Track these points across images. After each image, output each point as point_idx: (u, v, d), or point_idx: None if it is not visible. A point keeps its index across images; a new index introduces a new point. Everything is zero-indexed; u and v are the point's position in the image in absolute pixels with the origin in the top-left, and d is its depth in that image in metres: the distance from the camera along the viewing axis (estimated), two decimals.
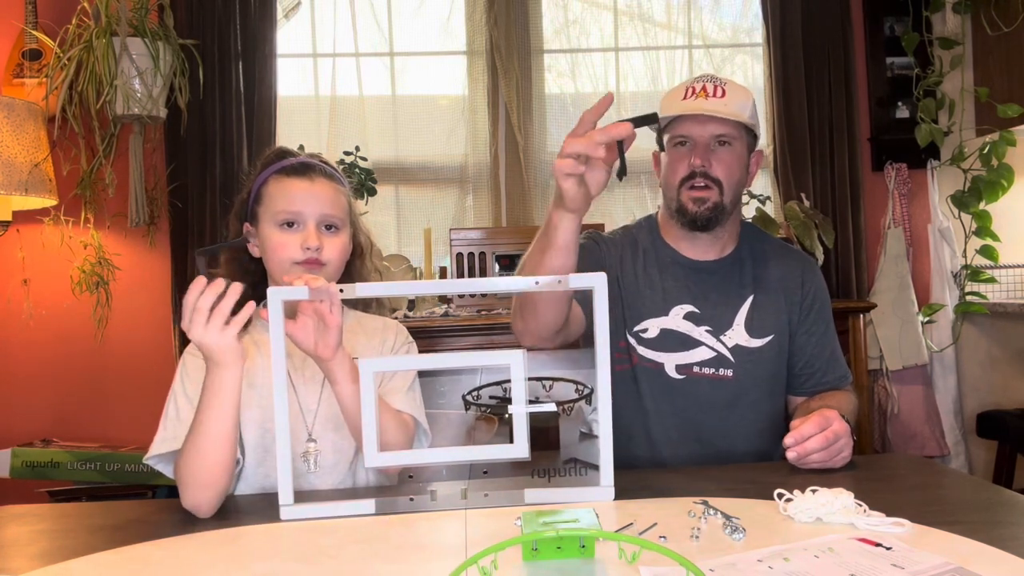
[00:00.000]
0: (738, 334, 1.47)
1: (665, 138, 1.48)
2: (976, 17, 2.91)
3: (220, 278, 1.04)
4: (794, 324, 1.51)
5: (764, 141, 2.98)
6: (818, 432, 1.17)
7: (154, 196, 2.73)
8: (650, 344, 1.48)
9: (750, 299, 1.49)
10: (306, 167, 1.28)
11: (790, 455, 1.17)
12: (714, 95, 1.43)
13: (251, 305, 1.05)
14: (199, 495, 1.08)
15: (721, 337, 1.47)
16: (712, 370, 1.46)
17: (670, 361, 1.47)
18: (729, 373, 1.46)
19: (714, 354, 1.46)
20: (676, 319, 1.47)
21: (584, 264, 1.38)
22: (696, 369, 1.46)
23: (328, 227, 1.27)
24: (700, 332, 1.47)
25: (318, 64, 2.99)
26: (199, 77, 2.64)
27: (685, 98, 1.44)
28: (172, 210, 2.73)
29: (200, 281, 1.03)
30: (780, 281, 1.51)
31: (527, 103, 2.96)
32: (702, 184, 1.43)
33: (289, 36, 2.94)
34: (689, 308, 1.48)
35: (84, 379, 2.80)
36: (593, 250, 1.52)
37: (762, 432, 1.48)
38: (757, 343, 1.47)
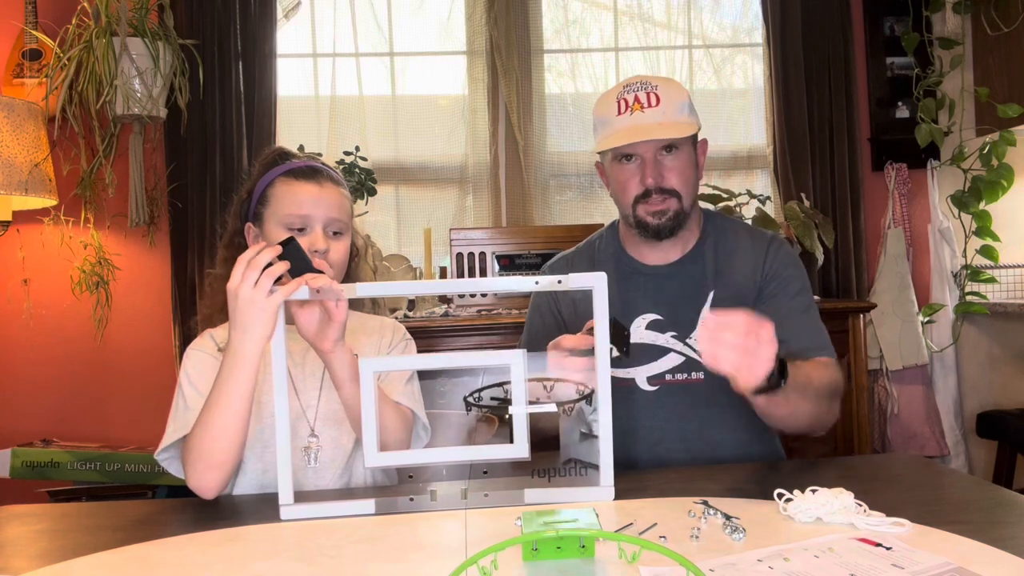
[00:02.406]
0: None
1: (607, 155, 1.44)
2: (976, 17, 2.91)
3: (276, 243, 1.06)
4: (754, 306, 1.42)
5: (764, 141, 2.98)
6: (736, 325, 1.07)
7: (154, 196, 2.73)
8: (615, 362, 1.39)
9: (711, 296, 1.44)
10: (314, 171, 1.29)
11: (700, 332, 1.08)
12: (649, 104, 1.38)
13: (301, 280, 1.06)
14: (208, 475, 1.08)
15: (687, 340, 1.43)
16: (684, 375, 1.43)
17: (640, 374, 1.44)
18: (700, 376, 1.42)
19: (683, 359, 1.43)
20: (639, 330, 1.45)
21: (539, 320, 1.54)
22: (668, 377, 1.43)
23: (334, 232, 1.28)
24: (666, 339, 1.44)
25: (318, 64, 2.99)
26: (199, 77, 2.64)
27: (620, 113, 1.39)
28: (172, 210, 2.73)
29: (263, 244, 1.05)
30: (741, 269, 1.46)
31: (527, 103, 2.96)
32: (659, 199, 1.40)
33: (289, 36, 2.94)
34: (651, 316, 1.45)
35: (84, 379, 2.80)
36: (542, 305, 1.55)
37: (748, 424, 1.42)
38: None
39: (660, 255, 1.48)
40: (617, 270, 1.50)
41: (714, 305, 1.42)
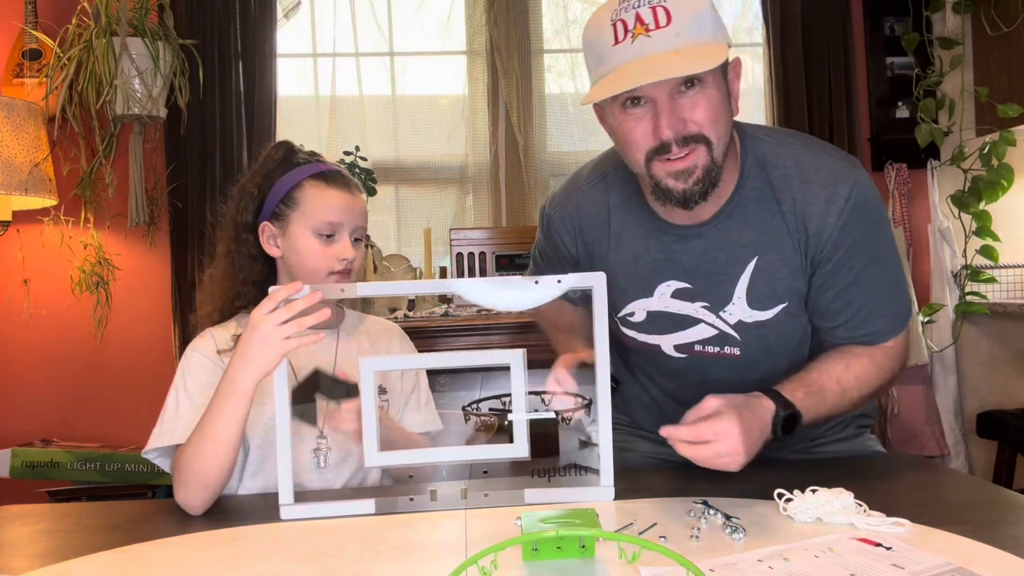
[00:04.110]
0: (740, 309, 1.18)
1: (606, 97, 1.07)
2: (976, 17, 2.91)
3: (318, 291, 1.07)
4: (808, 279, 1.17)
5: None
6: (694, 425, 1.00)
7: (154, 196, 2.73)
8: (640, 328, 1.25)
9: (752, 263, 1.16)
10: (344, 178, 1.30)
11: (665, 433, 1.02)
12: (656, 24, 1.00)
13: (319, 335, 1.07)
14: (198, 494, 1.09)
15: (721, 314, 1.19)
16: (716, 348, 1.22)
17: (667, 342, 1.24)
18: (736, 351, 1.21)
19: (716, 332, 1.21)
20: (664, 299, 1.21)
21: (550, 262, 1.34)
22: (698, 348, 1.23)
23: (355, 239, 1.29)
24: (695, 309, 1.20)
25: (318, 64, 2.99)
26: (199, 77, 2.64)
27: (617, 41, 1.03)
28: (172, 210, 2.73)
29: (300, 285, 1.06)
30: (794, 223, 1.14)
31: (527, 103, 2.96)
32: (682, 153, 1.06)
33: (289, 36, 2.94)
34: (677, 284, 1.20)
35: (84, 379, 2.79)
36: (548, 243, 1.34)
37: None
38: (764, 316, 1.18)
39: (688, 214, 1.16)
40: (638, 224, 1.20)
41: (755, 277, 1.16)
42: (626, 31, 1.02)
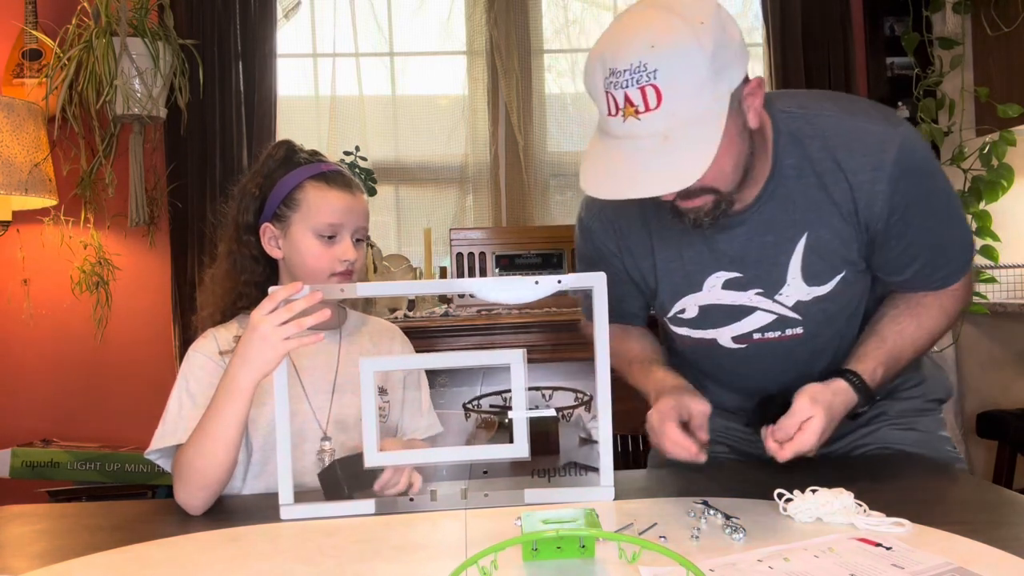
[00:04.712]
0: (796, 289, 1.15)
1: (594, 195, 1.04)
2: (976, 17, 2.91)
3: (318, 291, 1.07)
4: (864, 245, 1.13)
5: None
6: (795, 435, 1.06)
7: (154, 196, 2.73)
8: (693, 324, 1.23)
9: (802, 241, 1.12)
10: (345, 178, 1.29)
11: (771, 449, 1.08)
12: (646, 107, 0.95)
13: (319, 335, 1.07)
14: (197, 494, 1.09)
15: (776, 297, 1.16)
16: (777, 333, 1.19)
17: (723, 334, 1.21)
18: (799, 331, 1.18)
19: (774, 317, 1.17)
20: (715, 291, 1.18)
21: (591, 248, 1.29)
22: (757, 336, 1.20)
23: (357, 240, 1.29)
24: (749, 297, 1.17)
25: (318, 64, 2.99)
26: (199, 77, 2.64)
27: (611, 114, 0.98)
28: (172, 210, 2.73)
29: (300, 285, 1.06)
30: (840, 193, 1.10)
31: (527, 103, 2.96)
32: (688, 201, 1.05)
33: (289, 36, 2.94)
34: (727, 275, 1.17)
35: (84, 379, 2.79)
36: (594, 251, 1.29)
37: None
38: (823, 290, 1.15)
39: None
40: (673, 220, 1.12)
41: (808, 254, 1.13)
42: (617, 108, 0.97)
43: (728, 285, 1.17)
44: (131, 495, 2.42)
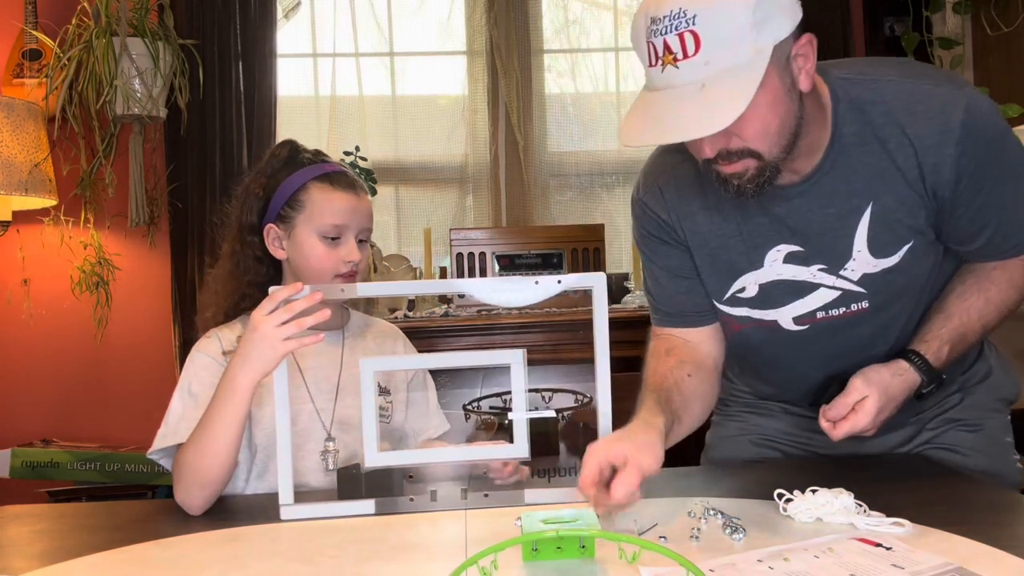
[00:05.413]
0: (862, 263, 1.11)
1: (631, 143, 1.00)
2: (976, 17, 2.91)
3: (319, 292, 1.07)
4: (932, 212, 1.09)
5: None
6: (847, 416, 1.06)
7: (154, 196, 2.73)
8: (753, 303, 1.17)
9: (867, 212, 1.08)
10: (349, 179, 1.29)
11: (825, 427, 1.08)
12: (684, 54, 0.93)
13: (319, 336, 1.06)
14: (197, 493, 1.09)
15: (841, 272, 1.12)
16: (842, 309, 1.14)
17: (784, 315, 1.17)
18: (864, 305, 1.14)
19: (838, 293, 1.13)
20: (776, 266, 1.13)
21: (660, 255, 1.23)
22: (820, 315, 1.15)
23: (360, 240, 1.29)
24: (812, 273, 1.13)
25: (318, 64, 2.99)
26: (199, 77, 2.64)
27: (652, 64, 0.97)
28: (172, 210, 2.73)
29: (301, 285, 1.06)
30: (905, 159, 1.05)
31: (527, 103, 2.96)
32: (727, 164, 1.01)
33: (289, 36, 2.94)
34: (788, 248, 1.12)
35: (84, 379, 2.79)
36: (651, 226, 1.22)
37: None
38: (891, 262, 1.11)
39: (784, 172, 1.06)
40: (719, 189, 1.07)
41: (874, 224, 1.08)
42: (656, 56, 0.95)
43: (790, 259, 1.13)
44: (131, 495, 2.42)
